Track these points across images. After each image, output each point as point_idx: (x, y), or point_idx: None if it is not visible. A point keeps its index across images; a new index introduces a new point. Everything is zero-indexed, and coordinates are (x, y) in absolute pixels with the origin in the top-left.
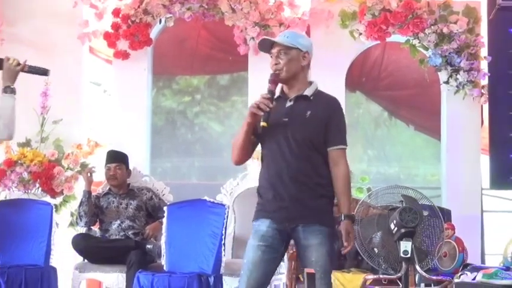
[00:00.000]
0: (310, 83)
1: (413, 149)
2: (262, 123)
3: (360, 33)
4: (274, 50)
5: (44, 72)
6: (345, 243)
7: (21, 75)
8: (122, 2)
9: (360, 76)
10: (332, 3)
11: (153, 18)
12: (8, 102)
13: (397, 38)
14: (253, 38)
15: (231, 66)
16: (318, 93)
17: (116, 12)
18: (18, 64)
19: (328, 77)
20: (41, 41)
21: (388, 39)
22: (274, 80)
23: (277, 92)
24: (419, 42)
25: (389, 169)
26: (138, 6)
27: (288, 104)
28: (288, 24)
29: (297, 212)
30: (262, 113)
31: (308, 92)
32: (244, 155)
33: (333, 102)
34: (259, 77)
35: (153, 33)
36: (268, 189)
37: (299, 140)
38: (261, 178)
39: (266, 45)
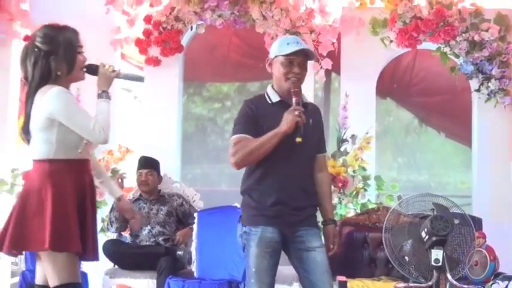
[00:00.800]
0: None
1: (444, 156)
2: (299, 139)
3: (391, 41)
4: (298, 59)
5: (137, 78)
6: (332, 246)
7: None
8: (154, 8)
9: (390, 82)
10: (363, 11)
11: (185, 25)
12: (104, 106)
13: (428, 45)
14: None
15: (262, 73)
16: (308, 101)
17: (148, 19)
18: (114, 70)
19: (358, 84)
20: None
21: (419, 47)
22: (299, 91)
23: (276, 97)
24: (450, 50)
25: (420, 177)
26: (170, 13)
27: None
28: (319, 31)
29: (300, 216)
30: (301, 125)
31: (305, 99)
32: (256, 162)
33: (318, 109)
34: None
35: (184, 40)
36: (269, 194)
37: (305, 148)
38: (259, 183)
39: (299, 53)
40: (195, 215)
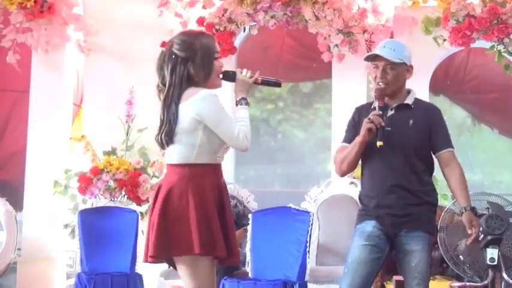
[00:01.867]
0: (409, 91)
1: (497, 154)
2: (379, 143)
3: (444, 39)
4: (381, 63)
5: (276, 84)
6: (469, 231)
7: (107, 83)
8: (207, 10)
9: (444, 79)
10: (416, 10)
11: (237, 27)
12: (244, 113)
13: (481, 43)
14: (336, 45)
15: (315, 73)
16: (417, 102)
17: (201, 21)
18: (251, 76)
19: (412, 82)
20: (125, 51)
21: (472, 45)
22: (381, 95)
23: (377, 102)
24: (504, 48)
25: (473, 176)
26: (223, 15)
27: (390, 112)
28: (372, 31)
29: (400, 217)
30: (376, 131)
31: (409, 100)
32: (352, 168)
33: (432, 109)
34: (342, 84)
35: (237, 41)
36: (372, 197)
37: (403, 149)
38: (364, 187)
39: (372, 57)
40: (249, 216)
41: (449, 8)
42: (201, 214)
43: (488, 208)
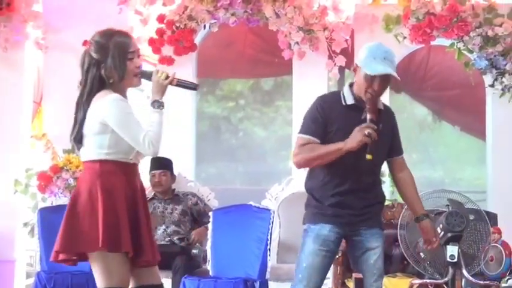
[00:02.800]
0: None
1: (458, 151)
2: (369, 156)
3: (404, 37)
4: (385, 78)
5: (193, 86)
6: (434, 239)
7: (67, 80)
8: (167, 8)
9: (404, 77)
10: (376, 8)
11: (198, 24)
12: (156, 118)
13: (441, 41)
14: (297, 42)
15: (277, 69)
16: (384, 106)
17: (161, 19)
18: (167, 77)
19: None
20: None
21: (432, 43)
22: (374, 108)
23: (351, 100)
24: (464, 46)
25: (434, 173)
26: (183, 12)
27: (364, 115)
28: (332, 28)
29: (359, 216)
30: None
31: (380, 105)
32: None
33: (391, 112)
34: (303, 82)
35: (198, 38)
36: (331, 196)
37: (375, 152)
38: (323, 183)
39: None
40: (210, 213)
41: (409, 5)
42: (108, 209)
43: (448, 205)
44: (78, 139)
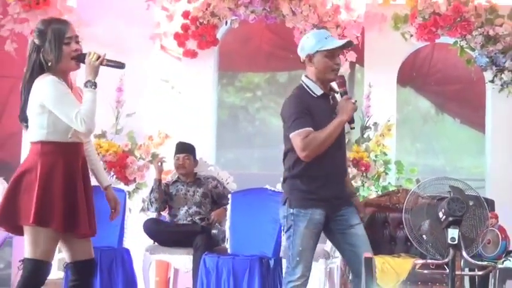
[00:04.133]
0: None
1: (459, 142)
2: (352, 125)
3: (411, 35)
4: (339, 51)
5: (120, 65)
6: (361, 215)
7: (103, 71)
8: (191, 4)
9: (410, 72)
10: (385, 7)
11: (220, 20)
12: (89, 96)
13: (445, 39)
14: None
15: (291, 64)
16: None
17: (186, 15)
18: (98, 58)
19: (380, 75)
20: (115, 41)
21: (437, 41)
22: (343, 81)
23: (319, 90)
24: (466, 44)
25: (437, 161)
26: (206, 9)
27: (331, 101)
28: (344, 26)
29: (343, 197)
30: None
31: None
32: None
33: None
34: None
35: (219, 33)
36: (320, 178)
37: (342, 140)
38: (309, 168)
39: (345, 46)
40: (229, 196)
41: (416, 6)
42: (43, 189)
43: (449, 192)
44: (23, 119)
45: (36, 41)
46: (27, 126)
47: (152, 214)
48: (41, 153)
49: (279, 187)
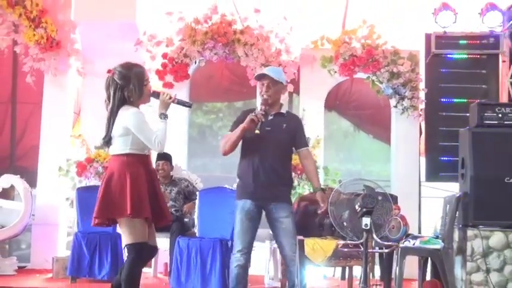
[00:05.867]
0: (281, 105)
1: (371, 152)
2: (257, 131)
3: (335, 71)
4: (266, 81)
5: (188, 105)
6: (322, 205)
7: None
8: (169, 48)
9: (334, 99)
10: (316, 51)
11: (190, 60)
12: (162, 125)
13: (361, 75)
14: None
15: (244, 95)
16: (288, 112)
17: (165, 56)
18: (170, 97)
19: (312, 101)
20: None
21: (355, 76)
22: (266, 103)
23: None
24: (376, 78)
25: (354, 167)
26: (180, 52)
27: (270, 117)
28: (285, 65)
29: (270, 193)
30: (257, 123)
31: (283, 110)
32: (233, 148)
33: (297, 117)
34: None
35: (190, 70)
36: (250, 175)
37: (277, 144)
38: (244, 167)
39: (260, 77)
40: (197, 193)
41: (339, 49)
42: (134, 188)
43: (364, 189)
44: (107, 141)
45: (120, 82)
46: (108, 146)
47: None
48: (127, 163)
49: (234, 186)
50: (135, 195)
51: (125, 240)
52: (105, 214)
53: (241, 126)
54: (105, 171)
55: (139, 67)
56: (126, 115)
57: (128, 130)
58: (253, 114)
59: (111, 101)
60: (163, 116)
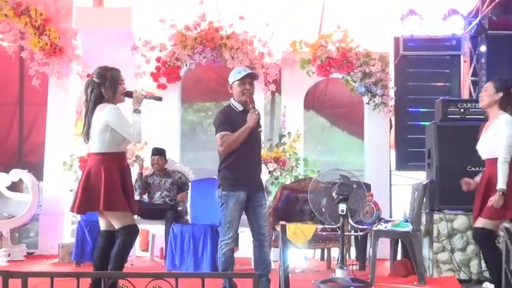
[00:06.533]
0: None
1: (346, 146)
2: (260, 129)
3: (313, 72)
4: (248, 80)
5: (158, 99)
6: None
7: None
8: (162, 52)
9: (313, 98)
10: (295, 54)
11: (182, 63)
12: (137, 118)
13: (336, 75)
14: None
15: (230, 95)
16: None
17: (158, 59)
18: (142, 94)
19: (292, 100)
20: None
21: (330, 76)
22: (252, 99)
23: (240, 107)
24: (350, 78)
25: (331, 158)
26: (172, 55)
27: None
28: (267, 67)
29: (257, 184)
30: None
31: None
32: (235, 148)
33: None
34: None
35: (182, 72)
36: (243, 168)
37: (259, 137)
38: (236, 160)
39: (253, 76)
40: (189, 184)
41: (316, 52)
42: (109, 184)
43: (340, 179)
44: (87, 135)
45: (97, 80)
46: (88, 141)
47: (136, 197)
48: (102, 161)
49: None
50: (110, 191)
51: (116, 225)
52: (85, 207)
53: (248, 125)
54: (84, 168)
55: (115, 70)
56: (104, 112)
57: (107, 126)
58: (256, 113)
59: (89, 98)
60: (138, 111)
